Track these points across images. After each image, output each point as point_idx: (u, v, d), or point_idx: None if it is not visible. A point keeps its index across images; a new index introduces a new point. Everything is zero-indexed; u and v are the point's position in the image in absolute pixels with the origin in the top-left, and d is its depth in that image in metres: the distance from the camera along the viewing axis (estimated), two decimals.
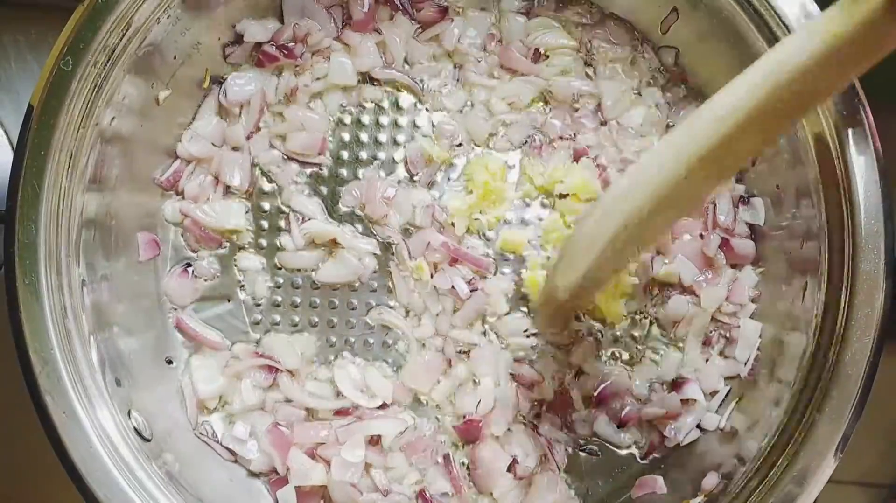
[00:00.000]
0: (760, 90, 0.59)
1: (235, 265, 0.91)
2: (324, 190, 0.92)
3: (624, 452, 0.89)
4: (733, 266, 0.90)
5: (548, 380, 0.88)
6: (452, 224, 0.90)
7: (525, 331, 0.90)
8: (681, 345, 0.90)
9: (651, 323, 0.91)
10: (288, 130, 0.92)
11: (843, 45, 0.56)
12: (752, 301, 0.89)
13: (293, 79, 0.92)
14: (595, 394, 0.88)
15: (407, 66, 0.93)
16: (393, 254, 0.91)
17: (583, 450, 0.89)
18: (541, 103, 0.94)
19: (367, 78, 0.93)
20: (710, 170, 0.64)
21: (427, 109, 0.93)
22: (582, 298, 0.81)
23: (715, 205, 0.89)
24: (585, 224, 0.71)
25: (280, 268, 0.91)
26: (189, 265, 0.90)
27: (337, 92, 0.93)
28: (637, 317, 0.91)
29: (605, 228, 0.69)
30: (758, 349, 0.87)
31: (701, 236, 0.90)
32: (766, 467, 0.76)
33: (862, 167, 0.76)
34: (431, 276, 0.90)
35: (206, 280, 0.91)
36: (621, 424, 0.88)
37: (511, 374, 0.89)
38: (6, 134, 0.98)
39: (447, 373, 0.89)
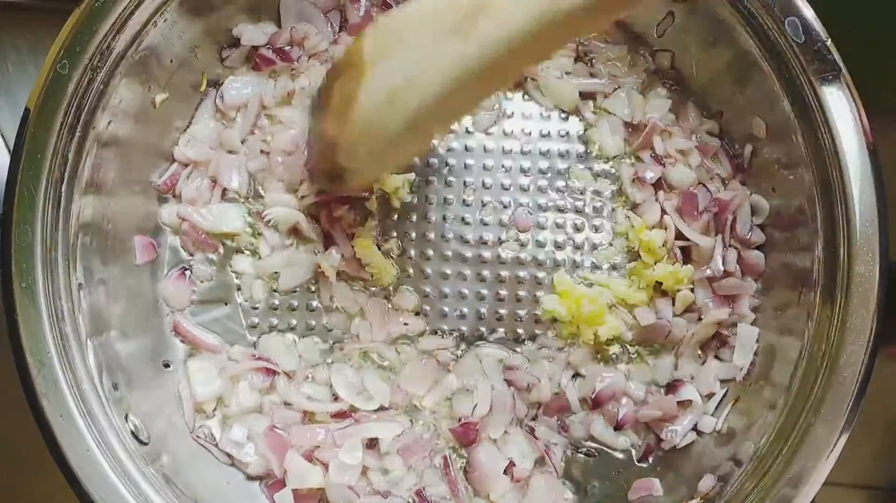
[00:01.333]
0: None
1: (232, 268, 0.91)
2: None
3: (621, 454, 0.89)
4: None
5: (544, 381, 0.89)
6: None
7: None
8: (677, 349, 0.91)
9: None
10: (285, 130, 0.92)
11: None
12: (753, 311, 0.89)
13: (290, 82, 0.92)
14: (592, 396, 0.88)
15: None
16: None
17: (580, 452, 0.89)
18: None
19: None
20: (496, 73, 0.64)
21: None
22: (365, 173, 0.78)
23: (735, 216, 0.89)
24: (364, 110, 0.67)
25: (277, 272, 0.91)
26: (186, 269, 0.91)
27: None
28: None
29: (390, 120, 0.66)
30: (754, 353, 0.87)
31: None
32: (763, 469, 0.76)
33: (857, 169, 0.76)
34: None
35: (203, 283, 0.91)
36: (618, 426, 0.88)
37: (506, 380, 0.89)
38: (2, 137, 0.98)
39: (441, 379, 0.89)
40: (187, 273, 0.90)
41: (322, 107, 0.77)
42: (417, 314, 0.90)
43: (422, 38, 0.64)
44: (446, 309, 0.90)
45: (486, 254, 0.91)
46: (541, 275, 0.91)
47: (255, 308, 0.91)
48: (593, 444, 0.89)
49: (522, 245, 0.91)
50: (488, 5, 0.60)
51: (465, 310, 0.91)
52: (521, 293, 0.91)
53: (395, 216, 0.91)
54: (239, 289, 0.91)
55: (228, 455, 0.86)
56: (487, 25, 0.60)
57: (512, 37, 0.60)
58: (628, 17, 0.93)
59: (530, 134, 0.93)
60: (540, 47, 0.63)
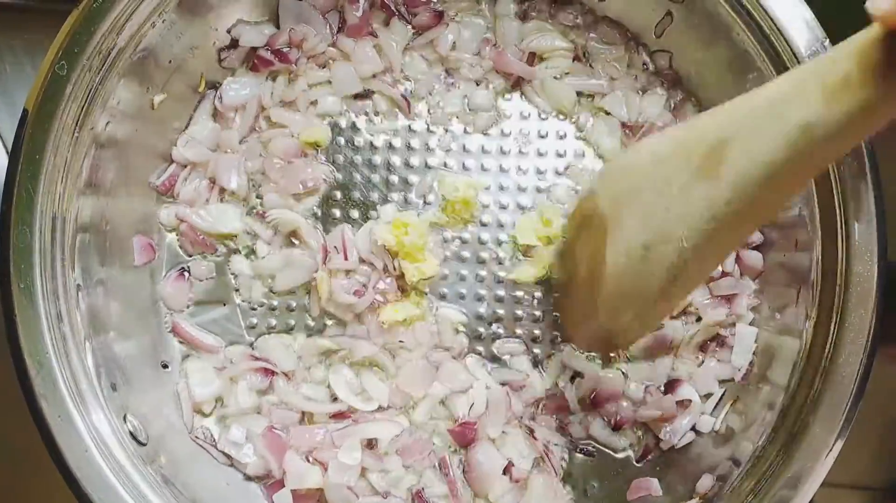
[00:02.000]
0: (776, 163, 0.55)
1: (231, 269, 0.91)
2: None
3: (619, 455, 0.89)
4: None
5: (533, 375, 0.89)
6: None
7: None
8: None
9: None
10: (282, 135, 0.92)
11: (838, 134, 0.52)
12: (752, 311, 0.89)
13: (288, 85, 0.92)
14: (590, 396, 0.88)
15: (404, 79, 0.94)
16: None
17: (578, 453, 0.89)
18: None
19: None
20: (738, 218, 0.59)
21: (429, 111, 0.93)
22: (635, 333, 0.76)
23: None
24: (619, 270, 0.65)
25: (275, 273, 0.91)
26: (185, 269, 0.90)
27: (333, 96, 0.93)
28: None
29: (650, 279, 0.63)
30: (753, 353, 0.87)
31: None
32: (760, 470, 0.77)
33: (855, 168, 0.76)
34: None
35: (201, 284, 0.91)
36: (617, 426, 0.88)
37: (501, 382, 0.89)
38: (0, 138, 0.99)
39: (435, 380, 0.89)
40: (186, 274, 0.90)
41: (567, 267, 0.76)
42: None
43: (662, 187, 0.60)
44: (444, 309, 0.90)
45: (484, 254, 0.91)
46: None
47: (254, 309, 0.91)
48: (592, 444, 0.89)
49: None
50: (730, 141, 0.56)
51: (464, 310, 0.91)
52: (519, 293, 0.91)
53: None
54: (237, 289, 0.91)
55: (227, 455, 0.86)
56: (735, 162, 0.55)
57: (766, 169, 0.54)
58: (626, 18, 0.93)
59: (528, 134, 0.93)
60: (799, 174, 0.57)
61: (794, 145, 0.53)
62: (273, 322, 0.90)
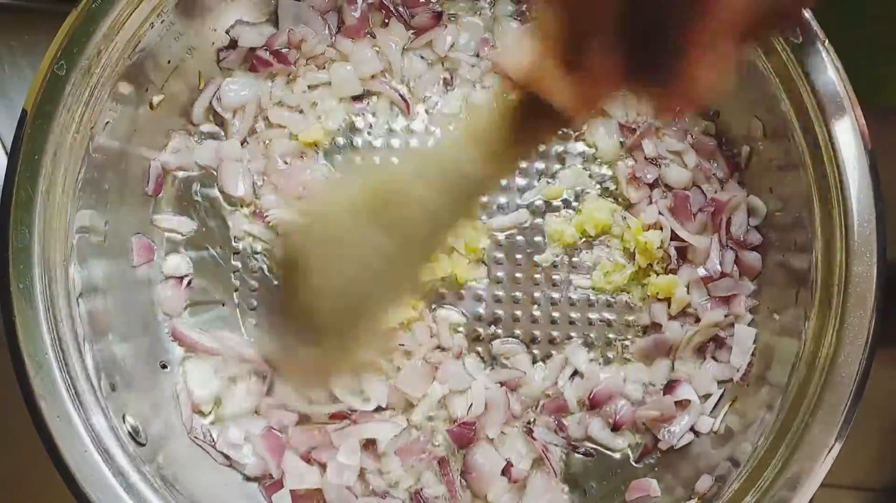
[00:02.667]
0: None
1: (230, 269, 0.91)
2: None
3: (618, 455, 0.89)
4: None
5: (530, 373, 0.88)
6: None
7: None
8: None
9: (643, 333, 0.91)
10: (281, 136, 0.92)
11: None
12: (750, 311, 0.89)
13: (287, 86, 0.92)
14: (589, 396, 0.88)
15: (403, 80, 0.94)
16: None
17: (577, 453, 0.89)
18: None
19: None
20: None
21: (427, 112, 0.94)
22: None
23: (730, 218, 0.89)
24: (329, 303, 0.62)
25: (276, 273, 0.91)
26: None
27: (332, 97, 0.93)
28: (630, 327, 0.91)
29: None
30: (751, 354, 0.87)
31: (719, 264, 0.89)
32: (760, 470, 0.76)
33: (855, 169, 0.76)
34: None
35: (200, 284, 0.91)
36: (615, 427, 0.88)
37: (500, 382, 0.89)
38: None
39: (434, 381, 0.89)
40: (184, 278, 0.90)
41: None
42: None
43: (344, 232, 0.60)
44: (442, 311, 0.90)
45: (482, 255, 0.91)
46: (537, 275, 0.91)
47: (253, 309, 0.91)
48: (591, 445, 0.89)
49: (518, 246, 0.91)
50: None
51: (463, 311, 0.90)
52: (517, 294, 0.91)
53: None
54: (237, 289, 0.91)
55: (226, 456, 0.86)
56: (402, 210, 0.58)
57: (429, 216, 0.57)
58: None
59: None
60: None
61: (450, 188, 0.57)
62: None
